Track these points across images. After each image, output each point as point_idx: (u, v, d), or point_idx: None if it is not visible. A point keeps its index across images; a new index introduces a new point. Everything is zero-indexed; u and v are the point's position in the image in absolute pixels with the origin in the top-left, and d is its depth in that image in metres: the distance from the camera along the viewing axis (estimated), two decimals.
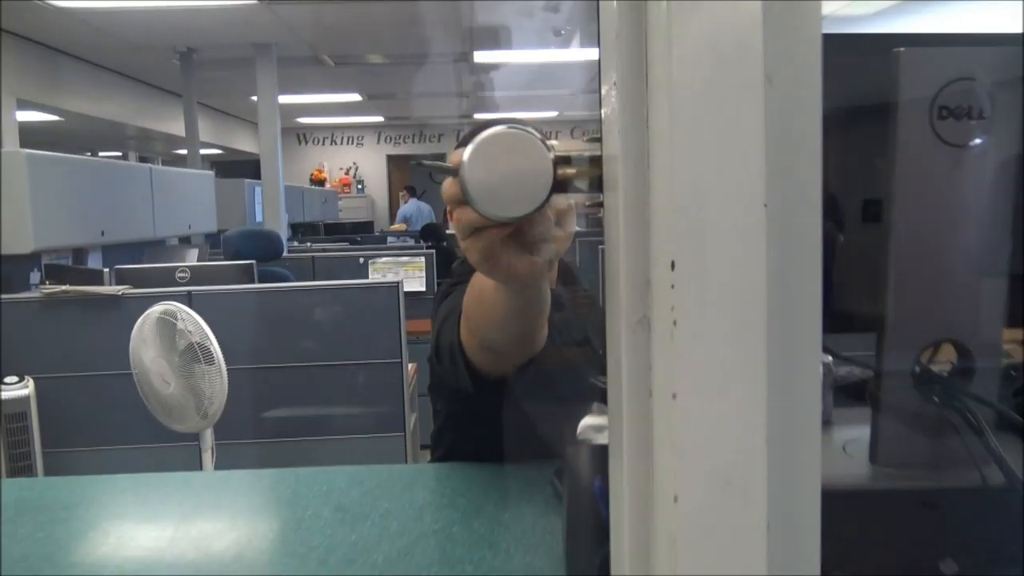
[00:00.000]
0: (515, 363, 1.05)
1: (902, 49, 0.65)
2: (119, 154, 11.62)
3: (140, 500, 1.15)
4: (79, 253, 4.06)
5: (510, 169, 0.58)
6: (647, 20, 0.47)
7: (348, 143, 14.01)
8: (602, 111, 0.53)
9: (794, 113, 0.44)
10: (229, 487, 1.19)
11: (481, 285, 0.91)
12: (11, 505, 1.07)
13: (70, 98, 7.00)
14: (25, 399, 2.98)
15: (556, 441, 1.18)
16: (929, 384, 0.67)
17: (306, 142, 14.04)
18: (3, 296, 3.08)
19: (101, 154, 10.79)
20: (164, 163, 11.80)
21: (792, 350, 0.44)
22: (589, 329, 1.37)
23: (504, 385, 1.09)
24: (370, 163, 14.28)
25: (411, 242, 7.33)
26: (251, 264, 3.39)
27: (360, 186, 14.28)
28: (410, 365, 3.18)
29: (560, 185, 0.59)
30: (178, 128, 8.27)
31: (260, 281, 3.56)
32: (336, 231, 9.44)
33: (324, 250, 5.89)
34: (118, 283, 3.28)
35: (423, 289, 4.77)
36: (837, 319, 0.65)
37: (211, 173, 5.35)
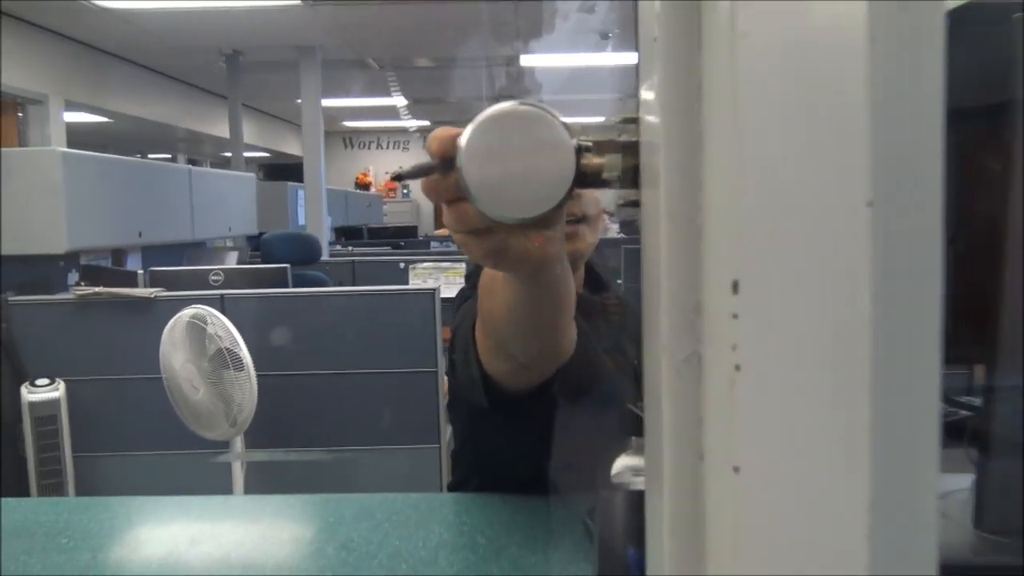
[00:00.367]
0: (538, 375, 0.91)
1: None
2: (168, 156, 11.77)
3: (131, 524, 1.05)
4: (118, 254, 4.04)
5: (522, 157, 0.45)
6: None
7: (394, 147, 14.02)
8: (640, 91, 0.41)
9: (907, 83, 0.31)
10: (230, 513, 1.09)
11: (493, 275, 0.77)
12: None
13: (117, 100, 7.06)
14: (56, 402, 2.93)
15: (586, 470, 1.09)
16: None
17: (352, 146, 14.08)
18: (37, 297, 3.05)
19: (151, 156, 10.93)
20: (212, 165, 11.92)
21: (906, 406, 0.31)
22: (623, 340, 1.23)
23: (524, 404, 0.95)
24: None
25: (454, 247, 7.24)
26: (285, 268, 3.32)
27: (405, 191, 14.28)
28: (445, 375, 3.06)
29: (584, 178, 0.45)
30: (226, 131, 8.32)
31: (296, 285, 3.49)
32: (380, 235, 9.41)
33: (365, 254, 5.83)
34: (152, 285, 3.22)
35: None
36: None
37: (252, 175, 5.32)
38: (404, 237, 8.76)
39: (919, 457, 0.31)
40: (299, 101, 6.98)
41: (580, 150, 0.45)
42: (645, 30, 0.39)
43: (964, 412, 0.63)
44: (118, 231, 3.54)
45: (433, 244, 7.76)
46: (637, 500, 0.75)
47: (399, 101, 10.26)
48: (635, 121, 0.42)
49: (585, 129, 0.47)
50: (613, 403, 1.03)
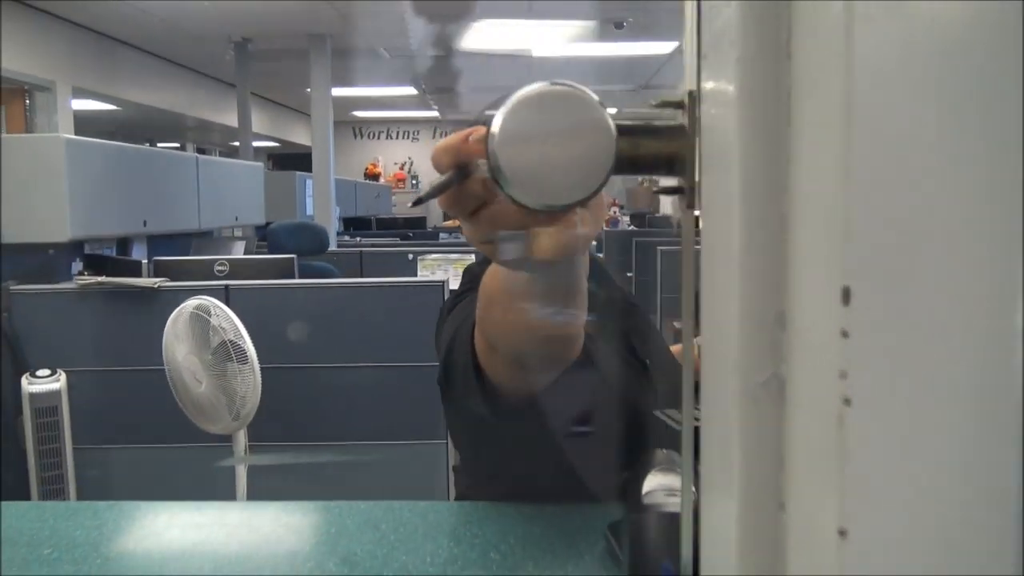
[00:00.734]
0: (545, 376, 0.85)
1: None
2: (177, 145, 11.72)
3: (120, 532, 0.98)
4: (123, 243, 3.98)
5: (561, 140, 0.41)
6: None
7: (403, 137, 13.95)
8: (699, 63, 0.34)
9: None
10: (224, 522, 1.02)
11: (496, 284, 0.73)
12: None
13: (126, 87, 7.00)
14: (56, 393, 2.87)
15: (600, 477, 1.02)
16: None
17: (361, 136, 14.01)
18: (38, 286, 2.99)
19: (159, 144, 10.89)
20: (221, 154, 11.87)
21: None
22: (634, 339, 1.16)
23: (528, 412, 0.88)
24: (425, 158, 14.17)
25: (463, 238, 7.16)
26: (292, 259, 3.25)
27: (415, 181, 14.21)
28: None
29: (623, 162, 0.42)
30: (234, 119, 8.26)
31: (303, 276, 3.42)
32: (388, 226, 9.35)
33: (373, 245, 5.76)
34: (156, 275, 3.17)
35: None
36: None
37: (260, 164, 5.25)
38: (413, 228, 8.70)
39: None
40: (309, 90, 6.91)
41: (620, 132, 0.42)
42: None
43: None
44: (123, 220, 3.48)
45: (442, 235, 7.70)
46: (671, 523, 0.69)
47: (409, 91, 10.19)
48: (678, 105, 0.39)
49: (620, 113, 0.44)
50: (623, 406, 1.00)
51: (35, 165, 3.04)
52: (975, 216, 0.23)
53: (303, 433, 2.92)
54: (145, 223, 3.61)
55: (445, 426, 2.92)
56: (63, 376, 2.89)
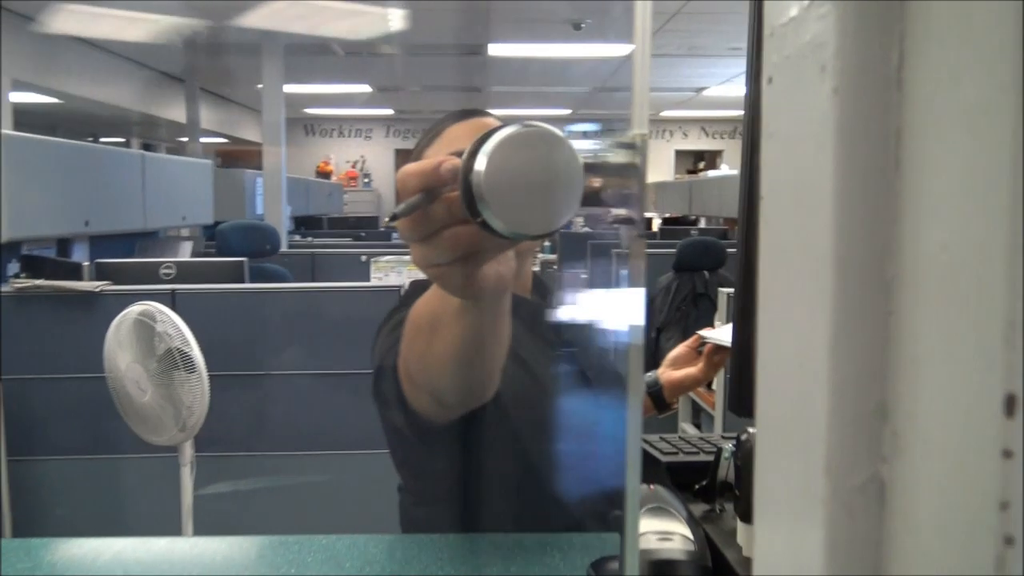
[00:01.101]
0: (458, 412, 0.89)
1: None
2: (122, 141, 11.40)
3: (47, 572, 0.89)
4: (64, 244, 3.82)
5: (538, 177, 0.46)
6: None
7: (356, 136, 13.78)
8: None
9: None
10: (170, 562, 0.94)
11: (424, 316, 0.76)
12: None
13: (68, 80, 6.76)
14: None
15: (533, 504, 1.06)
16: None
17: (313, 133, 13.80)
18: None
19: (103, 140, 10.56)
20: (169, 151, 11.58)
21: None
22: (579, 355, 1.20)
23: (450, 433, 0.94)
24: (378, 157, 14.02)
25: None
26: (242, 262, 3.14)
27: (367, 180, 14.03)
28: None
29: (588, 197, 0.48)
30: (182, 115, 8.04)
31: (254, 279, 3.31)
32: (340, 225, 9.20)
33: (326, 246, 5.64)
34: (98, 278, 3.03)
35: None
36: None
37: (208, 162, 5.09)
38: (365, 227, 8.57)
39: None
40: (260, 86, 6.75)
41: (588, 170, 0.47)
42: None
43: None
44: (62, 219, 3.32)
45: (394, 236, 7.58)
46: (668, 571, 0.64)
47: (363, 88, 10.05)
48: (630, 145, 0.45)
49: (581, 152, 0.49)
50: (545, 436, 1.05)
51: None
52: None
53: (253, 443, 2.81)
54: (87, 223, 3.46)
55: None
56: None
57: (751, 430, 0.61)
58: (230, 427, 2.75)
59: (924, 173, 0.21)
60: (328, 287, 2.97)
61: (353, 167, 13.98)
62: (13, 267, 3.40)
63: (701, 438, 0.85)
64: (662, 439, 0.86)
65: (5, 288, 2.89)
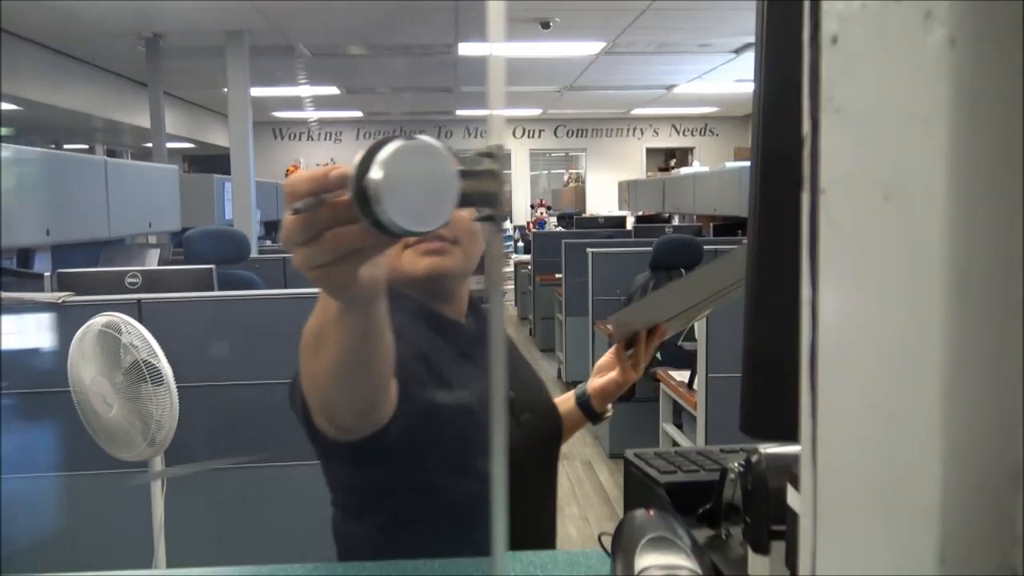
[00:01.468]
0: (358, 433, 0.92)
1: None
2: (85, 147, 11.20)
3: None
4: (25, 255, 3.71)
5: (424, 181, 0.55)
6: None
7: (326, 138, 13.66)
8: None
9: None
10: None
11: (317, 331, 0.79)
12: None
13: (27, 86, 6.60)
14: None
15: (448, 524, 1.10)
16: None
17: (282, 137, 13.66)
18: None
19: (66, 147, 10.37)
20: (134, 157, 11.39)
21: None
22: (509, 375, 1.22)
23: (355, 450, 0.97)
24: (348, 159, 13.79)
25: None
26: (210, 269, 3.06)
27: None
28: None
29: (463, 199, 0.57)
30: (146, 120, 7.89)
31: (223, 286, 3.23)
32: None
33: None
34: (60, 289, 2.94)
35: None
36: None
37: (175, 167, 4.99)
38: None
39: None
40: (225, 90, 6.64)
41: (461, 176, 0.56)
42: None
43: None
44: (22, 229, 3.21)
45: None
46: None
47: (331, 91, 9.94)
48: (490, 155, 0.55)
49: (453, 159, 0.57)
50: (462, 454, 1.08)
51: None
52: None
53: (225, 455, 2.74)
54: (48, 232, 3.36)
55: None
56: None
57: (763, 449, 0.56)
58: (201, 440, 2.68)
59: None
60: (299, 293, 2.90)
61: None
62: None
63: (700, 453, 0.79)
64: (657, 455, 0.80)
65: None
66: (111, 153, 11.21)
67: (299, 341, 0.84)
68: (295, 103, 11.08)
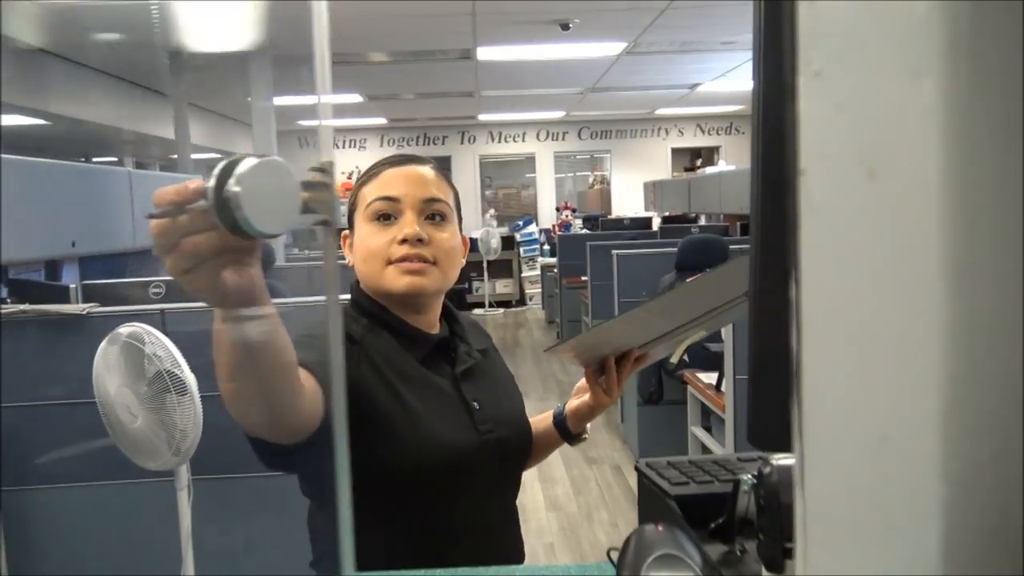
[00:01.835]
0: (281, 438, 0.99)
1: None
2: (115, 160, 11.34)
3: None
4: (52, 266, 3.75)
5: (272, 192, 0.64)
6: None
7: (350, 146, 13.71)
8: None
9: None
10: None
11: (215, 353, 0.86)
12: None
13: (55, 101, 6.69)
14: None
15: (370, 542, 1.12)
16: None
17: (307, 145, 13.74)
18: None
19: (95, 160, 10.51)
20: (162, 168, 11.51)
21: None
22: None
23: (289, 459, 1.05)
24: None
25: None
26: None
27: None
28: None
29: (303, 206, 0.65)
30: (172, 132, 7.97)
31: None
32: (338, 236, 9.13)
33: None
34: (85, 300, 2.96)
35: None
36: None
37: (199, 178, 5.01)
38: None
39: None
40: (249, 99, 6.69)
41: (302, 187, 0.65)
42: None
43: None
44: (48, 241, 3.24)
45: None
46: None
47: (354, 98, 9.99)
48: (323, 170, 0.65)
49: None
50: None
51: None
52: None
53: (250, 465, 2.73)
54: (74, 244, 3.38)
55: None
56: None
57: (775, 460, 0.53)
58: (226, 449, 2.68)
59: None
60: (322, 301, 2.90)
61: (348, 178, 13.90)
62: (1, 291, 3.34)
63: (715, 462, 0.76)
64: (670, 464, 0.77)
65: None
66: (139, 165, 11.34)
67: None
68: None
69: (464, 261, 1.37)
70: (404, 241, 1.25)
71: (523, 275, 12.28)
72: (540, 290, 11.57)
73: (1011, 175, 0.12)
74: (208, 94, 9.20)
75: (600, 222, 9.81)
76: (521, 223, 12.21)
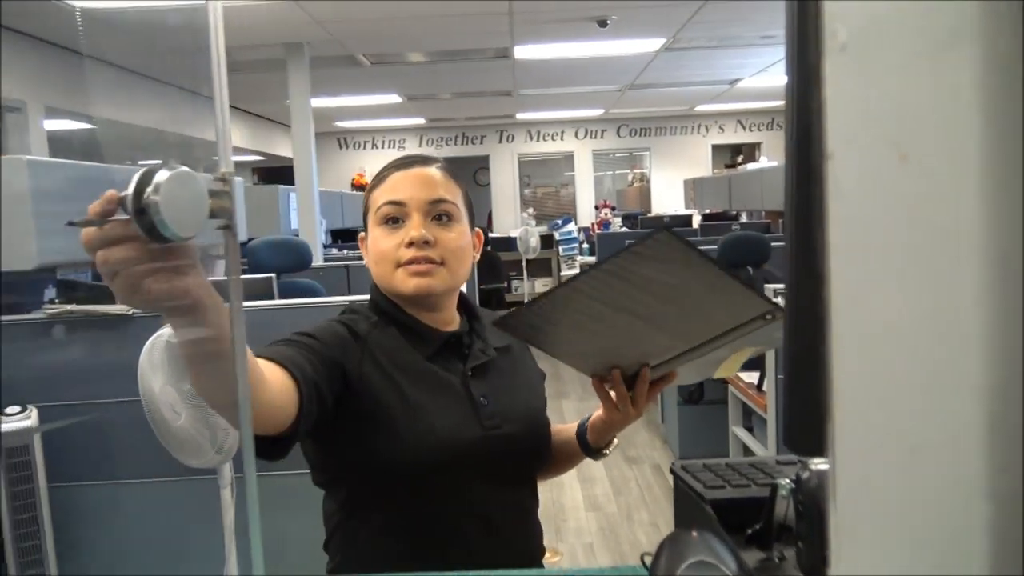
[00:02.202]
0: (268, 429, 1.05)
1: None
2: (159, 162, 11.54)
3: None
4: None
5: (185, 199, 0.70)
6: None
7: (390, 146, 13.78)
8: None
9: None
10: None
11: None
12: None
13: (101, 105, 6.83)
14: (28, 431, 2.71)
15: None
16: None
17: (347, 146, 13.84)
18: (5, 318, 2.83)
19: (140, 163, 10.69)
20: (205, 171, 11.67)
21: None
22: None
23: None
24: None
25: None
26: (270, 278, 3.10)
27: None
28: None
29: (211, 212, 0.72)
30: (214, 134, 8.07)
31: (285, 294, 3.27)
32: None
33: (360, 258, 5.59)
34: None
35: None
36: None
37: (239, 179, 5.08)
38: None
39: None
40: (288, 101, 6.76)
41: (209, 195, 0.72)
42: None
43: None
44: None
45: None
46: None
47: (392, 98, 10.04)
48: (222, 180, 0.72)
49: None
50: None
51: None
52: None
53: (293, 461, 2.76)
54: None
55: None
56: (34, 412, 2.74)
57: (814, 464, 0.51)
58: None
59: None
60: (362, 299, 2.92)
61: (362, 176, 13.98)
62: (50, 292, 3.40)
63: (752, 465, 0.74)
64: (706, 467, 0.75)
65: (39, 314, 2.88)
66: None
67: None
68: (358, 112, 11.24)
69: (477, 256, 1.39)
70: (411, 244, 1.28)
71: (562, 274, 12.24)
72: None
73: None
74: (248, 96, 9.32)
75: (639, 220, 9.75)
76: (560, 222, 12.17)
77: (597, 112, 12.96)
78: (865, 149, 0.15)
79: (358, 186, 13.37)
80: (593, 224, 12.45)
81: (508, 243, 11.10)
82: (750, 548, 0.63)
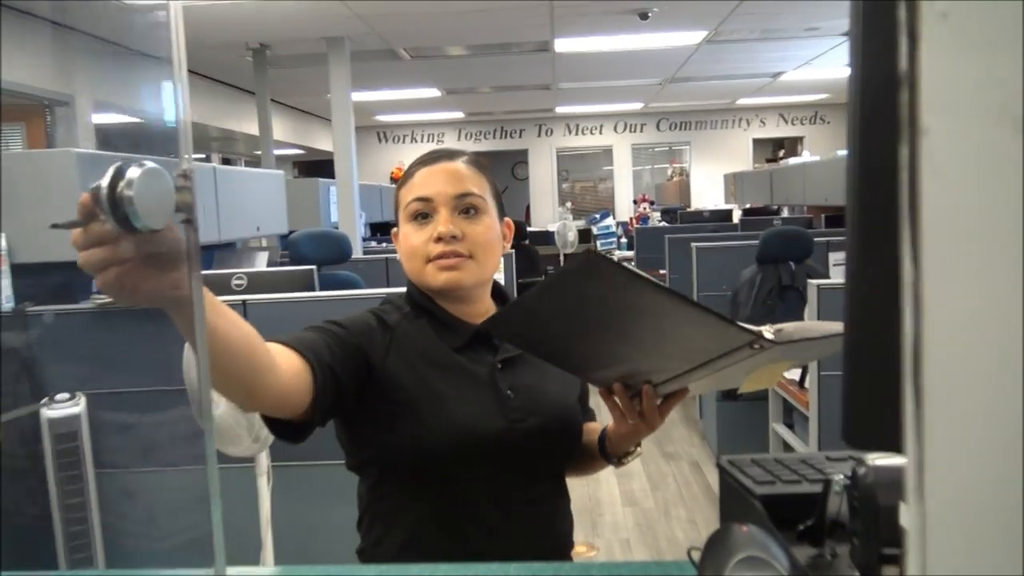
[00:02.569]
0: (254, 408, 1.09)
1: None
2: (202, 156, 11.72)
3: None
4: None
5: (154, 194, 0.74)
6: None
7: (429, 140, 13.85)
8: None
9: None
10: None
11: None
12: None
13: (147, 99, 6.94)
14: (76, 418, 2.78)
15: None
16: None
17: (386, 140, 13.93)
18: (54, 307, 2.90)
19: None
20: (247, 164, 11.84)
21: None
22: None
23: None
24: None
25: None
26: (311, 270, 3.12)
27: None
28: None
29: (176, 206, 0.77)
30: (257, 128, 8.18)
31: (325, 286, 3.29)
32: None
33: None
34: None
35: None
36: None
37: (280, 173, 5.12)
38: None
39: None
40: (329, 96, 6.81)
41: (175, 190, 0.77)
42: None
43: None
44: None
45: None
46: None
47: (432, 92, 10.07)
48: (184, 176, 0.76)
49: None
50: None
51: (47, 181, 2.94)
52: None
53: (329, 451, 2.78)
54: None
55: None
56: (83, 399, 2.80)
57: (871, 460, 0.50)
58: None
59: None
60: (400, 291, 2.93)
61: (400, 169, 14.05)
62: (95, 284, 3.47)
63: (803, 461, 0.72)
64: (755, 462, 0.74)
65: (87, 304, 2.94)
66: (226, 161, 11.69)
67: None
68: (398, 106, 11.28)
69: (507, 246, 1.40)
70: (439, 239, 1.30)
71: None
72: None
73: None
74: (290, 91, 9.40)
75: (679, 215, 9.67)
76: (598, 216, 12.12)
77: (637, 106, 12.88)
78: (968, 122, 0.14)
79: (397, 179, 13.45)
80: (631, 219, 12.38)
81: (546, 237, 11.09)
82: (801, 544, 0.61)
